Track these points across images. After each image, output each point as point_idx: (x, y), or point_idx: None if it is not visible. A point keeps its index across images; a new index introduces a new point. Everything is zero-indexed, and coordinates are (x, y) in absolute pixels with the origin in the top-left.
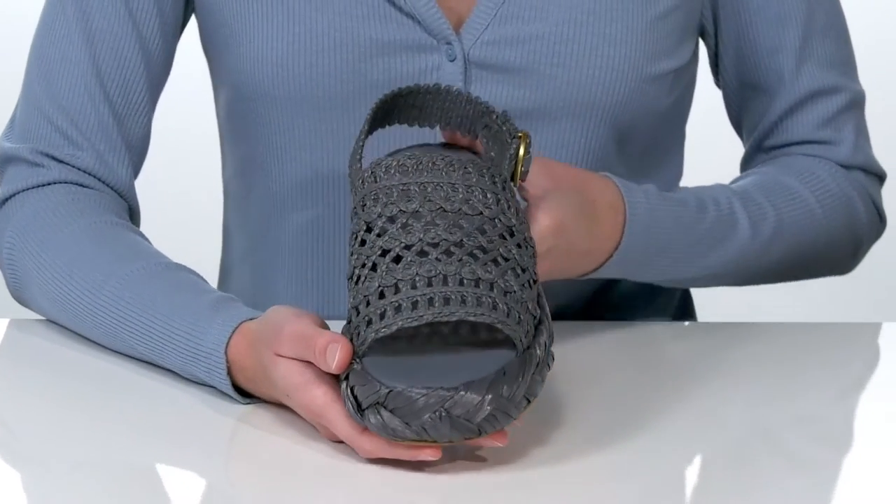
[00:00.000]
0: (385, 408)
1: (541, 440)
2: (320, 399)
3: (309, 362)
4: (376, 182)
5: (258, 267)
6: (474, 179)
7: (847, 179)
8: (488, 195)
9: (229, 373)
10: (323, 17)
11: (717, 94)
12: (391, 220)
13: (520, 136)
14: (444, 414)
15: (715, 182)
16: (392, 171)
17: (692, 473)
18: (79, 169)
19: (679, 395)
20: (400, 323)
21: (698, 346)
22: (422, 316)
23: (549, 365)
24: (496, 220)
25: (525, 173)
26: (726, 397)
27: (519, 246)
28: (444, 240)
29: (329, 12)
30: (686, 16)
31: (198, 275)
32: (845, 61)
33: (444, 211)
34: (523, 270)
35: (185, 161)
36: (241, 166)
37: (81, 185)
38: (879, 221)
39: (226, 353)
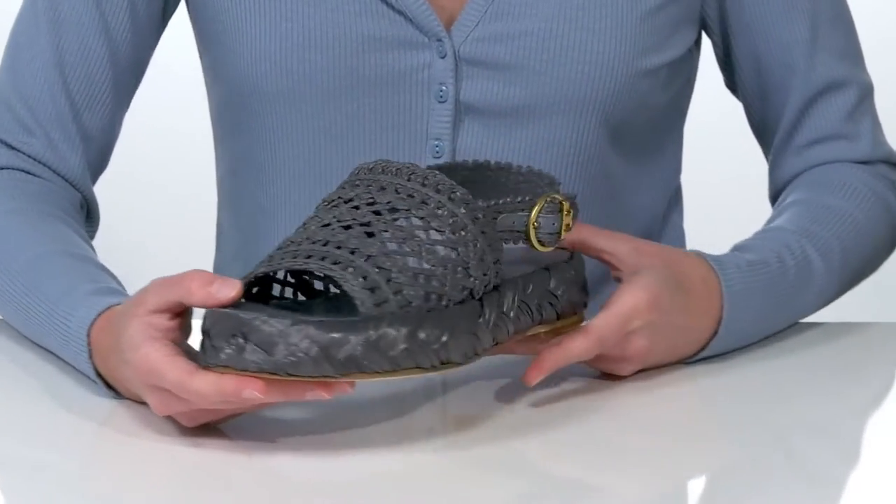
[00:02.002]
0: (208, 332)
1: (543, 443)
2: (153, 354)
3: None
4: (349, 175)
5: (251, 264)
6: (420, 187)
7: (874, 178)
8: (430, 203)
9: (91, 357)
10: (315, 13)
11: (717, 94)
12: (327, 202)
13: (547, 200)
14: (241, 339)
15: (714, 182)
16: (366, 168)
17: (694, 474)
18: (28, 156)
19: (680, 395)
20: (254, 271)
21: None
22: (269, 265)
23: (398, 365)
24: (424, 220)
25: (547, 240)
26: (730, 395)
27: (435, 231)
28: (353, 219)
29: (321, 8)
30: (680, 9)
31: (108, 272)
32: (855, 52)
33: (374, 203)
34: (429, 254)
35: (179, 159)
36: (234, 164)
37: (29, 173)
38: None
39: (89, 335)
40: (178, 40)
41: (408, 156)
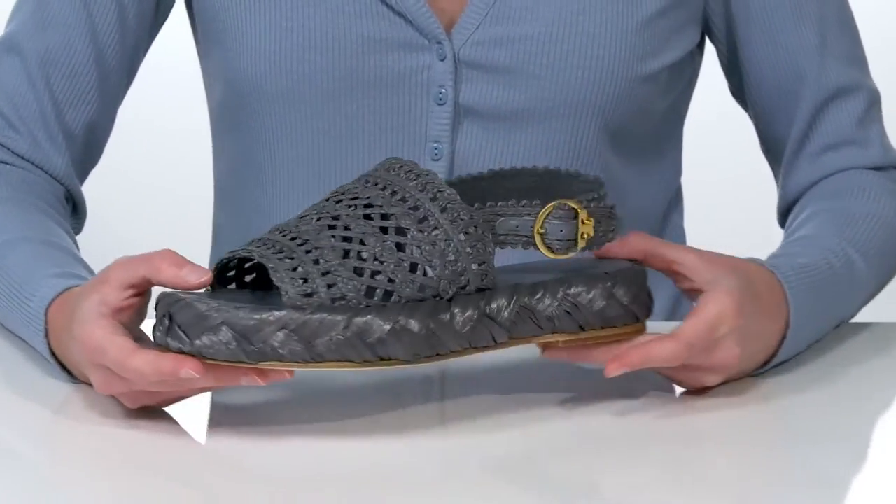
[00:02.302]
0: (155, 311)
1: (547, 447)
2: (98, 331)
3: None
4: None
5: None
6: (407, 183)
7: (891, 181)
8: (408, 200)
9: (47, 336)
10: (315, 14)
11: (717, 94)
12: (325, 198)
13: (555, 206)
14: (167, 319)
15: (714, 180)
16: (380, 166)
17: (694, 469)
18: (13, 152)
19: (680, 395)
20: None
21: None
22: (232, 252)
23: (320, 356)
24: (392, 217)
25: (557, 247)
26: (726, 396)
27: (391, 232)
28: (327, 213)
29: (321, 9)
30: (682, 14)
31: (81, 261)
32: (861, 59)
33: (357, 198)
34: (379, 261)
35: (177, 157)
36: (233, 163)
37: (14, 166)
38: None
39: (47, 314)
40: (178, 40)
41: (406, 157)
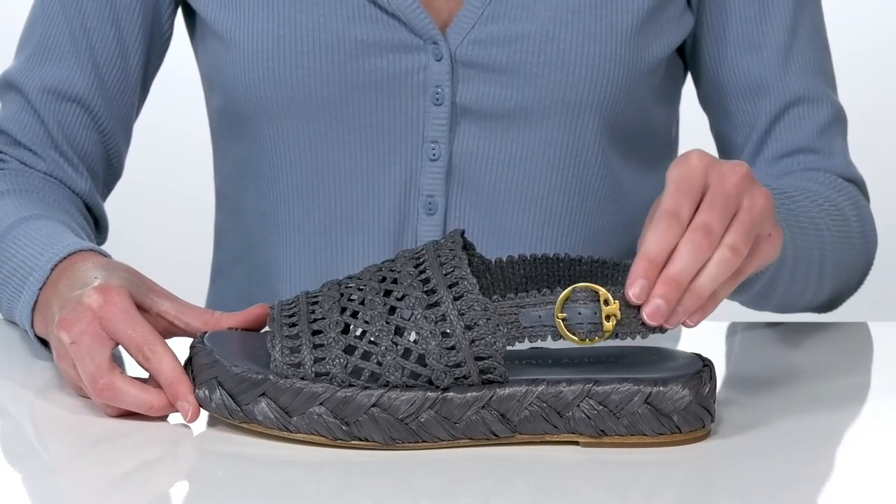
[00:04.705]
0: None
1: (545, 444)
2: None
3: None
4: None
5: (257, 266)
6: (438, 270)
7: (851, 189)
8: (428, 284)
9: (42, 287)
10: (307, 19)
11: None
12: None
13: (575, 290)
14: (189, 362)
15: None
16: (444, 242)
17: (685, 470)
18: (37, 170)
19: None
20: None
21: (697, 346)
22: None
23: (295, 427)
24: (405, 299)
25: (580, 331)
26: (723, 397)
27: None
28: (354, 286)
29: (314, 14)
30: (675, 5)
31: (82, 235)
32: (830, 74)
33: (392, 271)
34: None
35: (179, 161)
36: (233, 168)
37: (37, 171)
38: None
39: (59, 263)
40: (178, 41)
41: (404, 158)
